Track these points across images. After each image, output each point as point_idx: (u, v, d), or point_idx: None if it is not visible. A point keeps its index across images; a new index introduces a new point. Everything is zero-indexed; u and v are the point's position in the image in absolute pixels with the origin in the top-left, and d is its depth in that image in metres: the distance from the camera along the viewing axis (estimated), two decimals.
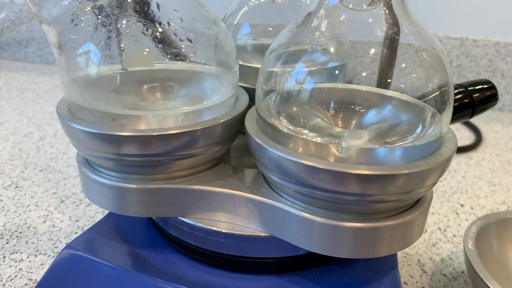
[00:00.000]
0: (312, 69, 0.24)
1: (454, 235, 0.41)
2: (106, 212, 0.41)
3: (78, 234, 0.38)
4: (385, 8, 0.23)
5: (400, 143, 0.22)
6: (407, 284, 0.34)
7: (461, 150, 0.58)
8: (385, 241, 0.23)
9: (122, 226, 0.28)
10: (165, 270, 0.25)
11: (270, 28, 0.31)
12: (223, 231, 0.23)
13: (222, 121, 0.24)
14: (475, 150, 0.58)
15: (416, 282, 0.35)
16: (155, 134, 0.23)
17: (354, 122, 0.24)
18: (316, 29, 0.24)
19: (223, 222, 0.24)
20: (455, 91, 0.33)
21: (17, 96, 0.72)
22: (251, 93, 0.28)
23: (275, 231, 0.23)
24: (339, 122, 0.24)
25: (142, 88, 0.26)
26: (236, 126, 0.25)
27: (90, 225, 0.38)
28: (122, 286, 0.23)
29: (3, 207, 0.42)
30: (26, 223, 0.40)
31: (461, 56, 0.71)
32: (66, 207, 0.42)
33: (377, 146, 0.22)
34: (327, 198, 0.22)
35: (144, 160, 0.23)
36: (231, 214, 0.24)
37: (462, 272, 0.36)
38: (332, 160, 0.22)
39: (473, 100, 0.32)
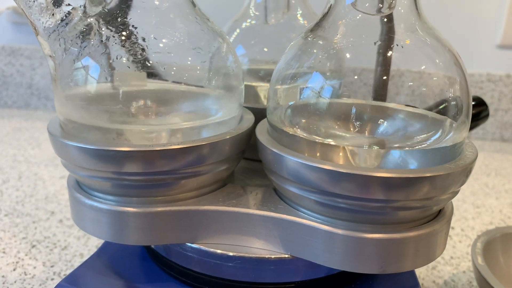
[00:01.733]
0: (321, 84, 0.24)
1: (452, 257, 0.40)
2: (89, 251, 0.37)
3: (55, 281, 0.34)
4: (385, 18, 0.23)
5: (421, 146, 0.21)
6: None
7: None
8: (410, 254, 0.22)
9: (116, 261, 0.25)
10: None
11: (265, 49, 0.30)
12: (239, 255, 0.21)
13: (229, 136, 0.23)
14: None
15: None
16: (158, 149, 0.21)
17: (370, 131, 0.23)
18: (321, 43, 0.24)
19: (239, 246, 0.22)
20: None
21: None
22: (252, 112, 0.27)
23: (296, 250, 0.21)
24: (355, 132, 0.23)
25: (141, 105, 0.24)
26: (243, 144, 0.24)
27: (68, 270, 0.34)
28: None
29: None
30: None
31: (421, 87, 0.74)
32: (39, 252, 0.38)
33: (398, 149, 0.21)
34: (350, 206, 0.20)
35: (146, 179, 0.21)
36: (247, 236, 0.22)
37: None
38: (350, 164, 0.21)
39: None
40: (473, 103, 0.33)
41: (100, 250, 0.25)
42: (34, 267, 0.36)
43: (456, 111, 0.22)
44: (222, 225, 0.22)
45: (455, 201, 0.51)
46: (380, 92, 0.26)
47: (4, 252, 0.38)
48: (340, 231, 0.21)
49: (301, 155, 0.20)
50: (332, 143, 0.21)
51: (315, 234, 0.21)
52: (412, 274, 0.25)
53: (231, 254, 0.21)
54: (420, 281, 0.36)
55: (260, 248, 0.22)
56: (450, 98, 0.22)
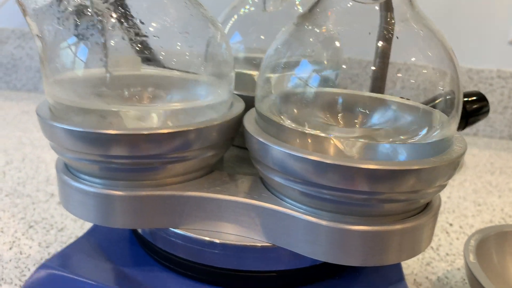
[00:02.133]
0: (312, 73, 0.23)
1: (447, 254, 0.39)
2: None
3: None
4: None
5: (410, 141, 0.21)
6: None
7: None
8: (394, 247, 0.21)
9: (104, 243, 0.25)
10: (145, 283, 0.22)
11: (262, 37, 0.30)
12: (220, 242, 0.21)
13: (218, 122, 0.23)
14: (458, 173, 0.58)
15: None
16: (146, 133, 0.21)
17: (358, 123, 0.23)
18: (313, 30, 0.24)
19: (221, 233, 0.22)
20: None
21: None
22: (244, 100, 0.27)
23: (278, 239, 0.21)
24: (343, 123, 0.23)
25: (132, 89, 0.24)
26: (232, 131, 0.24)
27: None
28: None
29: None
30: None
31: None
32: (35, 233, 0.39)
33: (385, 142, 0.21)
34: (334, 198, 0.20)
35: (133, 163, 0.21)
36: (229, 223, 0.22)
37: None
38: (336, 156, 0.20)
39: (467, 111, 0.32)
40: (473, 98, 0.32)
41: (89, 233, 0.26)
42: (30, 247, 0.37)
43: (447, 105, 0.22)
44: (206, 212, 0.22)
45: (455, 198, 0.51)
46: (377, 83, 0.25)
47: (2, 232, 0.39)
48: (324, 222, 0.20)
49: (286, 145, 0.20)
50: (319, 134, 0.21)
51: (298, 224, 0.20)
52: (398, 267, 0.25)
53: (214, 240, 0.21)
54: (413, 277, 0.36)
55: (243, 236, 0.22)
56: (440, 92, 0.22)
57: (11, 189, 0.47)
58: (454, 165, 0.21)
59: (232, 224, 0.22)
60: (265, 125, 0.21)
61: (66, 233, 0.39)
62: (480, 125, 0.74)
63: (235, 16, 0.30)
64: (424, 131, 0.22)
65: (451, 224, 0.45)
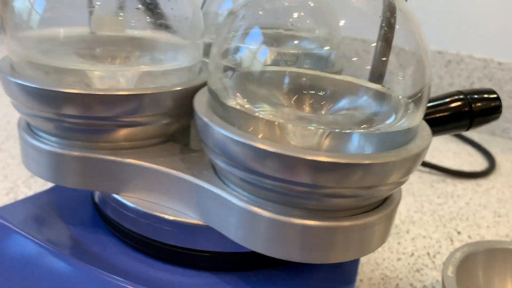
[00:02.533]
0: (284, 51, 0.22)
1: (443, 263, 0.36)
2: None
3: None
4: None
5: (364, 130, 0.19)
6: None
7: (470, 175, 0.53)
8: (339, 245, 0.20)
9: (62, 203, 0.25)
10: (93, 251, 0.22)
11: (260, 12, 0.28)
12: (154, 213, 0.21)
13: (173, 89, 0.22)
14: (485, 178, 0.54)
15: None
16: (99, 93, 0.20)
17: (315, 108, 0.21)
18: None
19: (158, 205, 0.21)
20: (454, 98, 0.29)
21: None
22: None
23: (213, 222, 0.20)
24: (302, 106, 0.21)
25: (105, 50, 0.24)
26: (189, 101, 0.22)
27: None
28: (40, 265, 0.21)
29: None
30: None
31: (483, 79, 0.66)
32: (35, 182, 0.40)
33: (338, 130, 0.19)
34: (276, 189, 0.19)
35: (85, 123, 0.21)
36: (166, 197, 0.21)
37: None
38: (287, 143, 0.19)
39: (472, 110, 0.28)
40: (482, 95, 0.29)
41: (51, 190, 0.26)
42: (25, 195, 0.38)
43: (414, 94, 0.19)
44: (144, 181, 0.21)
45: (474, 205, 0.47)
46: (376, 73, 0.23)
47: (5, 177, 0.41)
48: (264, 212, 0.19)
49: (228, 126, 0.18)
50: (267, 118, 0.19)
51: (236, 211, 0.19)
52: (353, 267, 0.23)
53: (146, 211, 0.21)
54: (396, 281, 0.34)
55: (179, 211, 0.21)
56: (404, 77, 0.19)
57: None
58: (411, 161, 0.18)
59: (168, 198, 0.21)
60: (214, 104, 0.20)
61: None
62: None
63: None
64: (388, 121, 0.20)
65: (459, 233, 0.41)
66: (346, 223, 0.19)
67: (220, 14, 0.29)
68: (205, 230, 0.21)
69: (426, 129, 0.21)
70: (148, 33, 0.25)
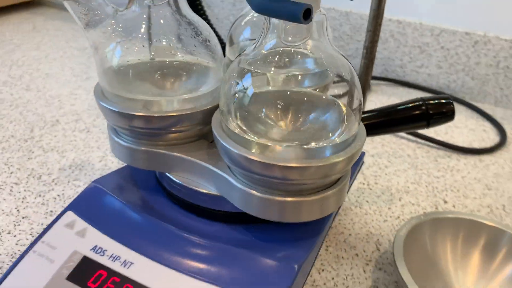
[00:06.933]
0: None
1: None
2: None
3: None
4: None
5: (320, 144, 0.29)
6: (357, 255, 0.42)
7: (475, 151, 0.60)
8: (304, 211, 0.31)
9: (136, 176, 0.39)
10: (155, 208, 0.35)
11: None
12: (190, 186, 0.33)
13: (202, 109, 0.33)
14: (491, 154, 0.60)
15: (366, 255, 0.42)
16: (155, 115, 0.32)
17: (291, 123, 0.31)
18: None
19: (193, 181, 0.34)
20: (414, 104, 0.38)
21: None
22: None
23: (224, 194, 0.32)
24: (279, 122, 0.31)
25: (150, 78, 0.35)
26: (212, 115, 0.34)
27: None
28: (124, 217, 0.35)
29: (76, 145, 0.56)
30: (88, 160, 0.53)
31: (509, 58, 0.70)
32: None
33: (298, 146, 0.29)
34: (261, 179, 0.30)
35: (147, 131, 0.34)
36: (196, 176, 0.33)
37: None
38: (267, 154, 0.30)
39: (429, 113, 0.37)
40: (437, 101, 0.37)
41: (127, 166, 0.40)
42: (112, 162, 0.53)
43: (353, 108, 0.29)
44: (184, 167, 0.33)
45: (470, 179, 0.54)
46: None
47: (98, 148, 0.56)
48: (257, 193, 0.30)
49: (232, 142, 0.29)
50: (256, 139, 0.30)
51: (235, 188, 0.31)
52: (320, 225, 0.34)
53: (186, 185, 0.33)
54: (378, 237, 0.44)
55: (205, 186, 0.33)
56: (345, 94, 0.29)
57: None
58: (349, 160, 0.29)
59: (199, 178, 0.33)
60: (222, 119, 0.32)
61: None
62: None
63: (243, 22, 0.39)
64: (338, 132, 0.30)
65: (446, 202, 0.50)
66: (308, 198, 0.30)
67: (240, 41, 0.40)
68: (220, 198, 0.33)
69: (362, 134, 0.31)
70: (188, 58, 0.36)
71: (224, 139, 0.30)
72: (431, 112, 0.37)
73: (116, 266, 0.31)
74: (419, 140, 0.62)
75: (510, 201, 0.51)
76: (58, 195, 0.47)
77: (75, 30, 1.00)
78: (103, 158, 0.54)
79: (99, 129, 0.60)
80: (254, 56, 0.31)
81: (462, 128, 0.67)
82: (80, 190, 0.48)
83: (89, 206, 0.35)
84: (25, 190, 0.48)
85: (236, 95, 0.31)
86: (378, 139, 0.62)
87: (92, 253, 0.32)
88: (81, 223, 0.34)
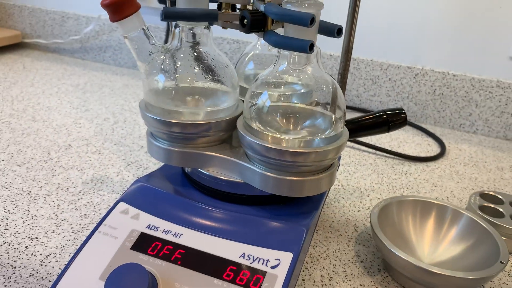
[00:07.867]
0: (275, 94, 0.44)
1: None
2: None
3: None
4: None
5: (322, 136, 0.41)
6: (341, 235, 0.53)
7: (422, 159, 0.75)
8: (308, 188, 0.42)
9: (169, 173, 0.49)
10: (187, 195, 0.45)
11: (265, 67, 0.51)
12: (217, 176, 0.44)
13: (225, 119, 0.44)
14: (435, 161, 0.75)
15: (348, 235, 0.53)
16: (188, 122, 0.43)
17: (296, 125, 0.43)
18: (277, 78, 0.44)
19: (219, 173, 0.44)
20: (378, 114, 0.51)
21: (98, 91, 0.96)
22: None
23: (247, 179, 0.43)
24: (287, 123, 0.43)
25: (185, 97, 0.46)
26: (234, 122, 0.45)
27: None
28: (167, 203, 0.44)
29: (92, 164, 0.65)
30: (106, 175, 0.62)
31: (443, 87, 0.87)
32: (131, 168, 0.64)
33: (303, 138, 0.41)
34: (275, 163, 0.41)
35: (181, 136, 0.44)
36: (223, 169, 0.44)
37: None
38: (280, 144, 0.41)
39: (388, 120, 0.50)
40: (393, 111, 0.51)
41: (162, 167, 0.49)
42: (128, 176, 0.62)
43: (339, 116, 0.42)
44: (213, 162, 0.44)
45: (420, 180, 0.68)
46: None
47: (112, 165, 0.65)
48: (271, 174, 0.41)
49: (251, 135, 0.41)
50: (271, 133, 0.42)
51: (255, 173, 0.42)
52: (317, 203, 0.46)
53: (217, 176, 0.44)
54: (354, 222, 0.56)
55: (230, 175, 0.44)
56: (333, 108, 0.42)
57: (117, 140, 0.73)
58: (338, 149, 0.41)
59: (225, 170, 0.44)
60: (246, 125, 0.43)
61: (148, 170, 0.64)
62: (480, 124, 0.88)
63: (250, 54, 0.51)
64: (328, 130, 0.42)
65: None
66: (309, 178, 0.42)
67: (246, 71, 0.52)
68: (243, 184, 0.44)
69: (346, 133, 0.43)
70: (213, 85, 0.48)
71: (248, 135, 0.41)
72: (390, 119, 0.50)
73: (168, 237, 0.40)
74: (378, 152, 0.76)
75: (451, 194, 0.65)
76: (88, 203, 0.55)
77: (64, 69, 1.08)
78: (119, 173, 0.63)
79: (109, 151, 0.69)
80: (267, 79, 0.43)
81: (411, 143, 0.82)
82: (105, 198, 0.56)
83: (137, 197, 0.45)
84: (57, 200, 0.56)
85: (256, 106, 0.42)
86: (345, 152, 0.76)
87: (148, 230, 0.41)
88: (133, 210, 0.43)
